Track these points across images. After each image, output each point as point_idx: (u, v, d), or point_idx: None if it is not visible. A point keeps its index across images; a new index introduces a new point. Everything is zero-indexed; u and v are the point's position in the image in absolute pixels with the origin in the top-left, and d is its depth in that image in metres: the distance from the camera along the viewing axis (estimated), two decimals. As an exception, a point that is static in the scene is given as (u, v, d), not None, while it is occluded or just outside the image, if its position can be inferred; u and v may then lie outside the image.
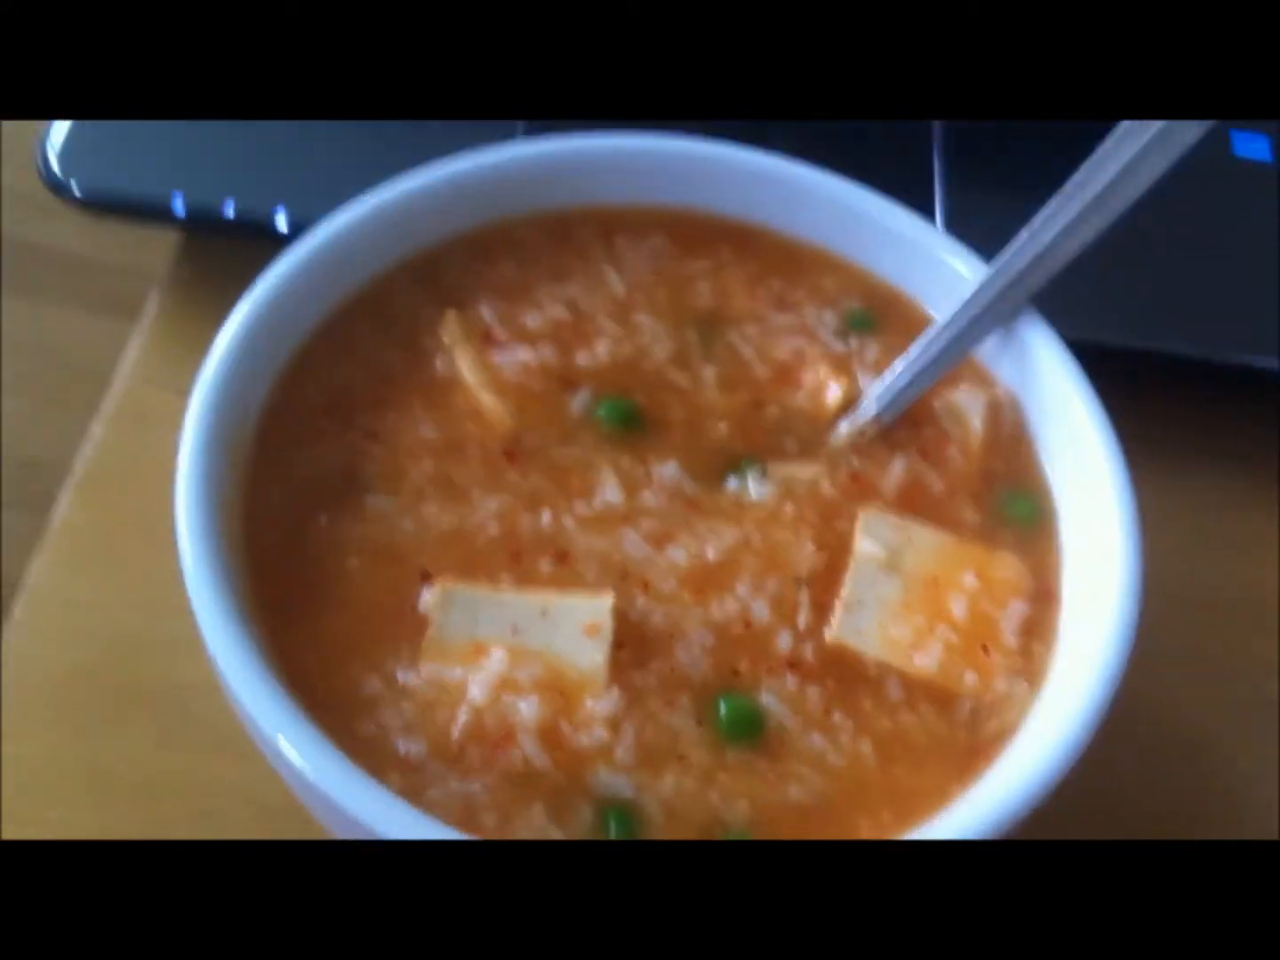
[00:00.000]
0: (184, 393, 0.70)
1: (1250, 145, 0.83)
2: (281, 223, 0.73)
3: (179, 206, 0.74)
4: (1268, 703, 0.68)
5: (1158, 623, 0.53)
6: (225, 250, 0.77)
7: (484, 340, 0.62)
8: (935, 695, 0.53)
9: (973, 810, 0.49)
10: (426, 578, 0.53)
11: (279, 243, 0.61)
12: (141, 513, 0.67)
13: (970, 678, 0.54)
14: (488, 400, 0.59)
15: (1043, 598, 0.57)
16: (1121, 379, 0.61)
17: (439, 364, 0.61)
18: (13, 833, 0.57)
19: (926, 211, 0.68)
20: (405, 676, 0.51)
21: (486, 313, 0.63)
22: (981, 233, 0.67)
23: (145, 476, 0.68)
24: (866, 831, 0.50)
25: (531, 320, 0.63)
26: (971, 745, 0.52)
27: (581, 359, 0.62)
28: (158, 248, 0.78)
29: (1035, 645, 0.55)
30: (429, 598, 0.53)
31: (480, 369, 0.60)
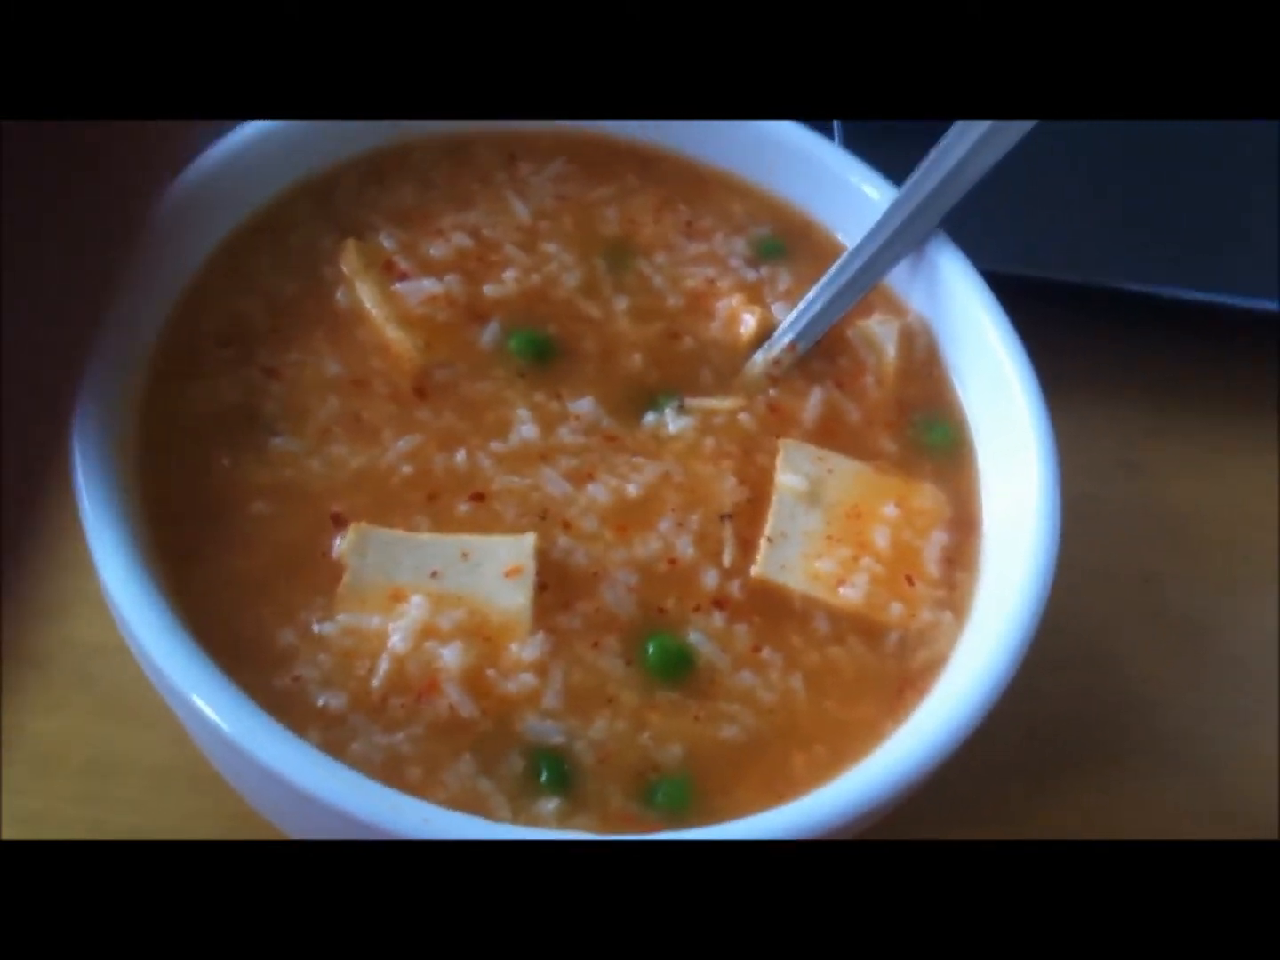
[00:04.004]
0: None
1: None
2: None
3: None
4: (1166, 617, 0.69)
5: (1064, 539, 0.54)
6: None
7: (386, 270, 0.59)
8: (862, 627, 0.53)
9: (907, 742, 0.49)
10: (339, 522, 0.51)
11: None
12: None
13: (896, 608, 0.53)
14: (394, 334, 0.57)
15: (963, 526, 0.57)
16: (1040, 312, 0.61)
17: (339, 296, 0.58)
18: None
19: (824, 132, 0.67)
20: (321, 626, 0.49)
21: (387, 241, 0.60)
22: (880, 154, 0.66)
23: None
24: (802, 768, 0.49)
25: (435, 249, 0.60)
26: (901, 676, 0.52)
27: (489, 289, 0.59)
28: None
29: (958, 574, 0.55)
30: (342, 542, 0.50)
31: (384, 301, 0.58)
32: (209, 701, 0.44)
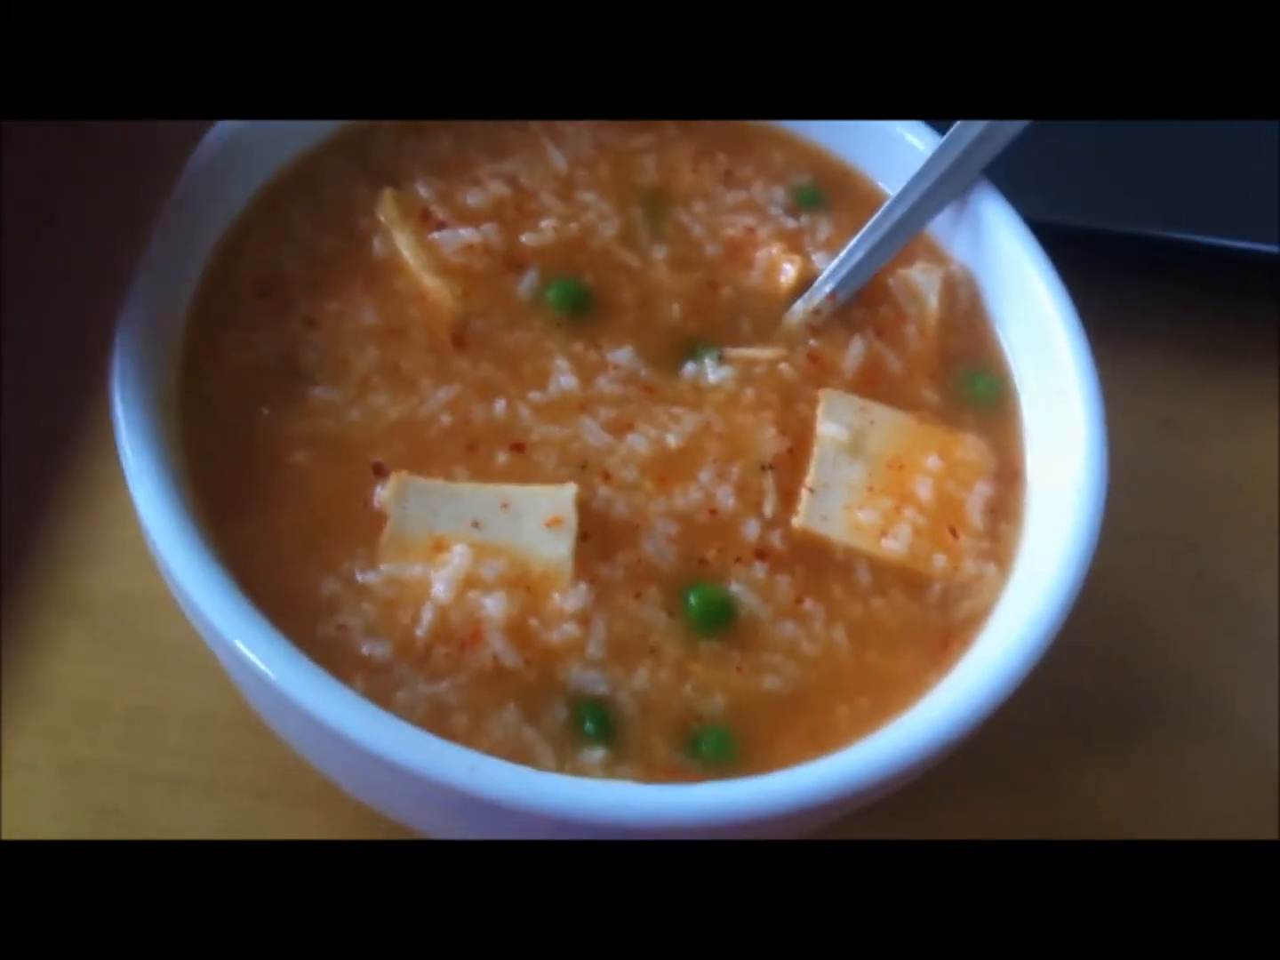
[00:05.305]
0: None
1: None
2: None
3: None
4: (1205, 584, 0.69)
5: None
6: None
7: (423, 220, 0.58)
8: (905, 579, 0.53)
9: (951, 695, 0.48)
10: (379, 472, 0.51)
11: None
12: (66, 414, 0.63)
13: (939, 560, 0.53)
14: (431, 283, 0.56)
15: (1007, 478, 0.56)
16: (1082, 262, 0.60)
17: (376, 246, 0.57)
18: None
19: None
20: (364, 576, 0.49)
21: (424, 191, 0.59)
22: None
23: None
24: (845, 720, 0.49)
25: (472, 198, 0.59)
26: (945, 629, 0.52)
27: (526, 238, 0.59)
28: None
29: (1002, 526, 0.55)
30: (384, 492, 0.50)
31: (421, 250, 0.57)
32: (254, 649, 0.44)
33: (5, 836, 0.52)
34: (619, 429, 0.54)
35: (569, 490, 0.51)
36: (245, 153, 0.56)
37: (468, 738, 0.46)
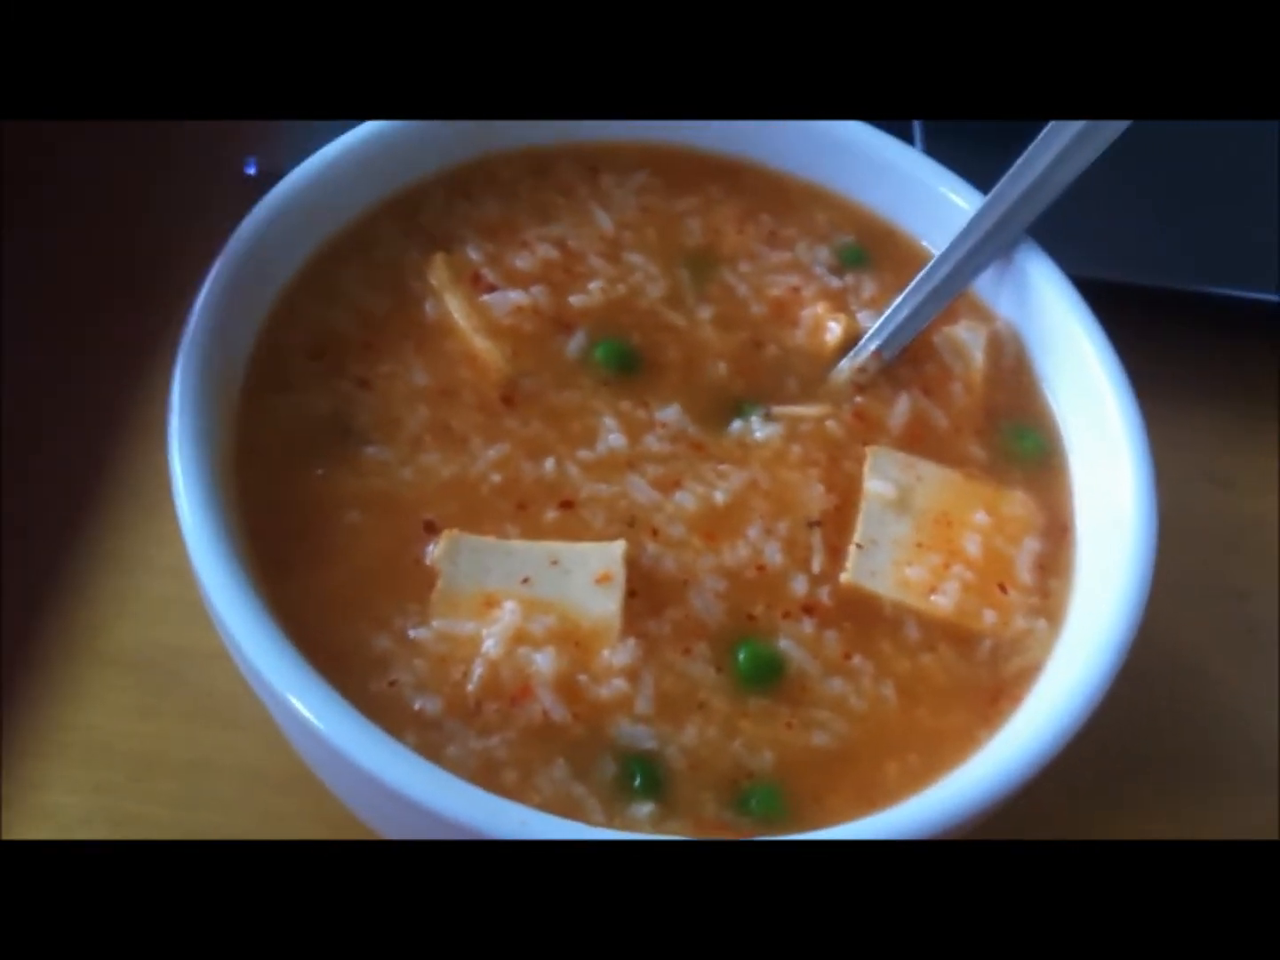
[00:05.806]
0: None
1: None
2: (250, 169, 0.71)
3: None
4: (1255, 634, 0.68)
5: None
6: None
7: (473, 282, 0.59)
8: (954, 635, 0.53)
9: (1001, 752, 0.48)
10: (431, 529, 0.52)
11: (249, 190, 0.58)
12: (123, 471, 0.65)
13: (989, 616, 0.53)
14: (482, 344, 0.57)
15: (1055, 534, 0.56)
16: (1122, 318, 0.60)
17: (428, 308, 0.59)
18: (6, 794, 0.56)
19: (904, 137, 0.67)
20: (416, 632, 0.49)
21: (474, 254, 0.61)
22: (963, 160, 0.65)
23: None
24: (894, 777, 0.49)
25: (521, 261, 0.61)
26: (994, 685, 0.52)
27: (574, 300, 0.60)
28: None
29: (1051, 581, 0.54)
30: (435, 550, 0.51)
31: (472, 312, 0.58)
32: (307, 704, 0.44)
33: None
34: (666, 486, 0.55)
35: (617, 547, 0.52)
36: (298, 216, 0.58)
37: (518, 793, 0.46)
